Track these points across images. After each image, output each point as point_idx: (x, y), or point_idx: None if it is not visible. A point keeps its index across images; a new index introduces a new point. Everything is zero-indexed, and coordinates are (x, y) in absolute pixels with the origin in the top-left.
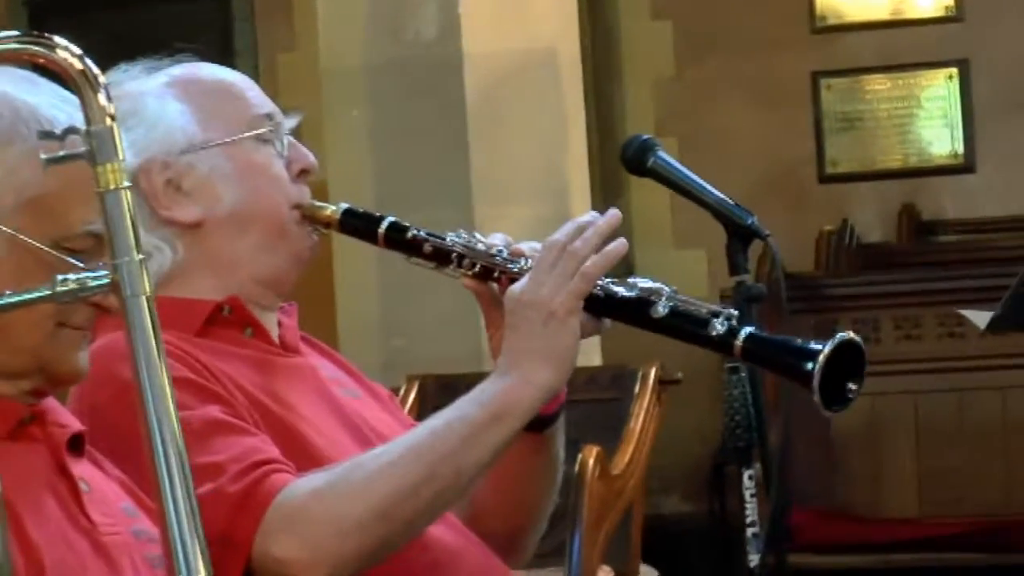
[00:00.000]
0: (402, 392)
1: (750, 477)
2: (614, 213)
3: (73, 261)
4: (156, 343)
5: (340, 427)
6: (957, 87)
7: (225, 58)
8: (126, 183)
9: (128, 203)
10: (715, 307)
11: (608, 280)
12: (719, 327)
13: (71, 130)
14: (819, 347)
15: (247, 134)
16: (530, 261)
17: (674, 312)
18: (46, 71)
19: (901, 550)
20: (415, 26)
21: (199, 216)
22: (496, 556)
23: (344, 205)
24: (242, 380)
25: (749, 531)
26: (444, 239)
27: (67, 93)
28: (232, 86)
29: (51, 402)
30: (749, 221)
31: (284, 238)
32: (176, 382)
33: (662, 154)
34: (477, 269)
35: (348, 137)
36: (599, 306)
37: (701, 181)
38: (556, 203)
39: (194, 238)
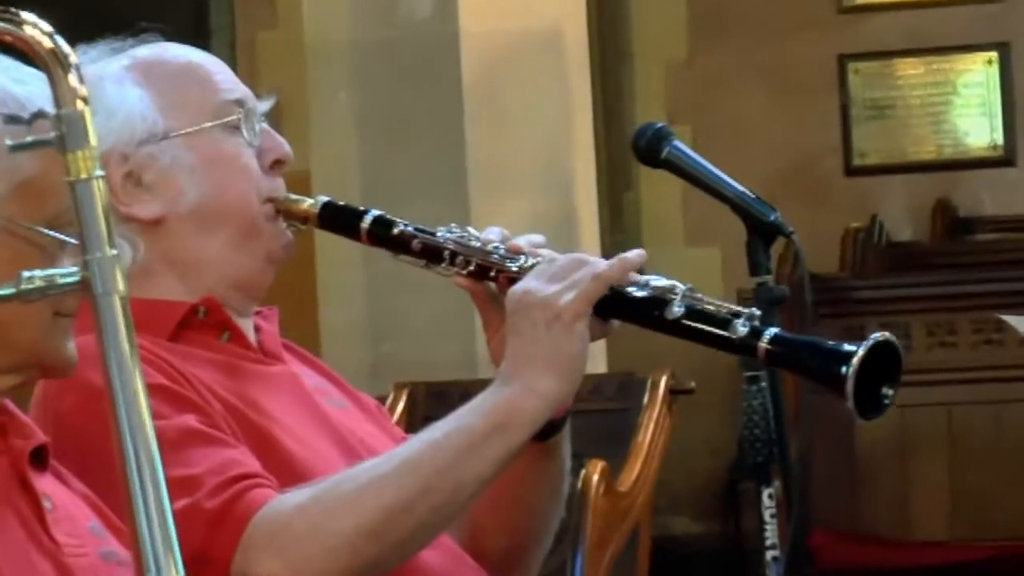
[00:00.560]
0: (390, 401)
1: (770, 496)
2: (639, 252)
3: (71, 240)
4: (130, 345)
5: (327, 440)
6: (996, 72)
7: (199, 37)
8: (99, 172)
9: (101, 193)
10: (735, 307)
11: None
12: (741, 328)
13: (39, 114)
14: (853, 348)
15: (213, 123)
16: (530, 259)
17: (691, 312)
18: (10, 49)
19: None
20: (408, 2)
21: (160, 212)
22: None
23: (323, 198)
24: (218, 388)
25: (769, 554)
26: (434, 235)
27: (31, 70)
28: (198, 68)
29: (12, 410)
30: (772, 217)
31: (255, 236)
32: (150, 389)
33: (678, 143)
34: (472, 267)
35: (333, 123)
36: (608, 306)
37: (720, 173)
38: (559, 196)
39: (155, 236)
